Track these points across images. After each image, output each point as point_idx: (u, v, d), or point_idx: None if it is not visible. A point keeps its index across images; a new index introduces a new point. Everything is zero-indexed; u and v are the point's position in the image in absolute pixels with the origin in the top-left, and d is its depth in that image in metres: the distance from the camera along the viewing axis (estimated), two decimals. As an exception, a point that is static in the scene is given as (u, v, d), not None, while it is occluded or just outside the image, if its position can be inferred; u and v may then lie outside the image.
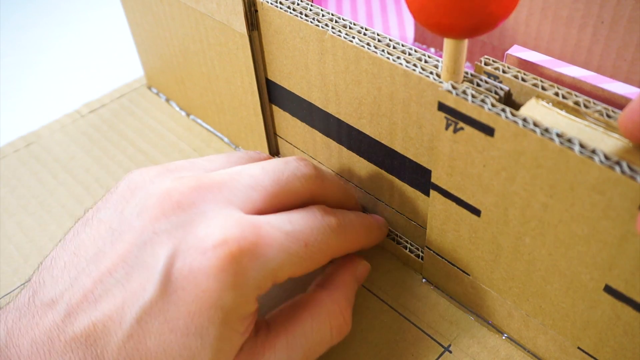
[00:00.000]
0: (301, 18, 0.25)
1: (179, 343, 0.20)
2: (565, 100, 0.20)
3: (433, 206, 0.25)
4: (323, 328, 0.24)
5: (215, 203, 0.22)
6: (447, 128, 0.21)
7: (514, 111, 0.19)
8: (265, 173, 0.24)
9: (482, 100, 0.20)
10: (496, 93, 0.21)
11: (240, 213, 0.22)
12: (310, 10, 0.26)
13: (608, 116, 0.19)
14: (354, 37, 0.24)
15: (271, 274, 0.21)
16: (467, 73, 0.22)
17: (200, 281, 0.20)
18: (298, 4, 0.26)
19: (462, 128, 0.21)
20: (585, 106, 0.20)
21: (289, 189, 0.24)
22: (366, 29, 0.24)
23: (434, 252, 0.27)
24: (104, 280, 0.21)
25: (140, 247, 0.21)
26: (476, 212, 0.23)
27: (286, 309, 0.24)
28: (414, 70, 0.22)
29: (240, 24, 0.28)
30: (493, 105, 0.20)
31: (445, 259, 0.26)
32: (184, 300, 0.20)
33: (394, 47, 0.23)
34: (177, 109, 0.41)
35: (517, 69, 0.21)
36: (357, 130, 0.27)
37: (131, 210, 0.22)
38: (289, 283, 0.28)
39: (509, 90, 0.21)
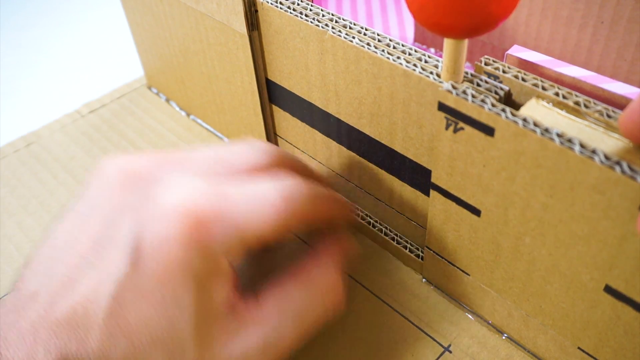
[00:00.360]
0: (301, 18, 0.25)
1: (158, 314, 0.21)
2: (565, 100, 0.20)
3: (433, 206, 0.25)
4: (313, 297, 0.23)
5: (175, 172, 0.22)
6: (447, 128, 0.21)
7: (514, 111, 0.19)
8: (226, 148, 0.24)
9: (482, 100, 0.20)
10: (496, 93, 0.21)
11: (200, 180, 0.22)
12: (310, 10, 0.26)
13: (608, 116, 0.19)
14: (354, 37, 0.24)
15: (238, 235, 0.21)
16: (467, 73, 0.22)
17: (167, 248, 0.20)
18: (298, 4, 0.26)
19: (462, 128, 0.21)
20: (586, 106, 0.20)
21: (251, 161, 0.24)
22: (366, 29, 0.24)
23: (434, 252, 0.27)
24: (79, 265, 0.21)
25: (109, 227, 0.22)
26: (476, 212, 0.23)
27: (275, 281, 0.24)
28: (414, 70, 0.22)
29: (240, 24, 0.28)
30: (493, 105, 0.20)
31: (445, 259, 0.26)
32: (155, 270, 0.20)
33: (394, 47, 0.23)
34: (177, 109, 0.41)
35: (517, 69, 0.21)
36: (357, 130, 0.27)
37: (95, 193, 0.23)
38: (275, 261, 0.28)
39: (509, 90, 0.21)
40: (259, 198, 0.22)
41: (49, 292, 0.21)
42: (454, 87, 0.20)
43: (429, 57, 0.23)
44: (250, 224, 0.21)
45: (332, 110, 0.28)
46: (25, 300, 0.21)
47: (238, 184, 0.22)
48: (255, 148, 0.24)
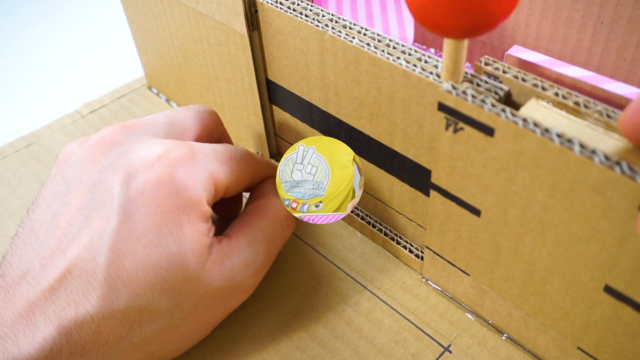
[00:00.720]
0: (301, 18, 0.25)
1: (156, 255, 0.22)
2: (565, 101, 0.20)
3: (433, 206, 0.25)
4: (273, 223, 0.27)
5: (145, 135, 0.25)
6: (447, 128, 0.21)
7: (514, 111, 0.19)
8: (171, 110, 0.28)
9: (482, 101, 0.20)
10: (496, 93, 0.21)
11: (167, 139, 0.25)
12: (310, 10, 0.26)
13: (608, 116, 0.19)
14: (354, 38, 0.24)
15: (211, 176, 0.24)
16: (467, 73, 0.22)
17: (156, 192, 0.22)
18: (298, 4, 0.26)
19: (462, 128, 0.21)
20: (585, 106, 0.20)
21: (200, 120, 0.28)
22: (366, 29, 0.24)
23: (434, 252, 0.27)
24: (66, 233, 0.22)
25: (92, 190, 0.23)
26: (476, 212, 0.23)
27: (237, 222, 0.27)
28: (414, 70, 0.22)
29: (240, 25, 0.28)
30: (493, 105, 0.20)
31: (445, 259, 0.26)
32: (147, 215, 0.22)
33: (394, 47, 0.23)
34: (177, 109, 0.41)
35: (517, 69, 0.21)
36: (357, 130, 0.27)
37: (72, 168, 0.24)
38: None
39: (509, 91, 0.21)
40: (217, 151, 0.25)
41: (39, 264, 0.21)
42: (453, 87, 0.20)
43: (428, 57, 0.23)
44: (218, 167, 0.25)
45: (332, 110, 0.28)
46: (16, 280, 0.21)
47: (198, 143, 0.25)
48: (194, 107, 0.28)
